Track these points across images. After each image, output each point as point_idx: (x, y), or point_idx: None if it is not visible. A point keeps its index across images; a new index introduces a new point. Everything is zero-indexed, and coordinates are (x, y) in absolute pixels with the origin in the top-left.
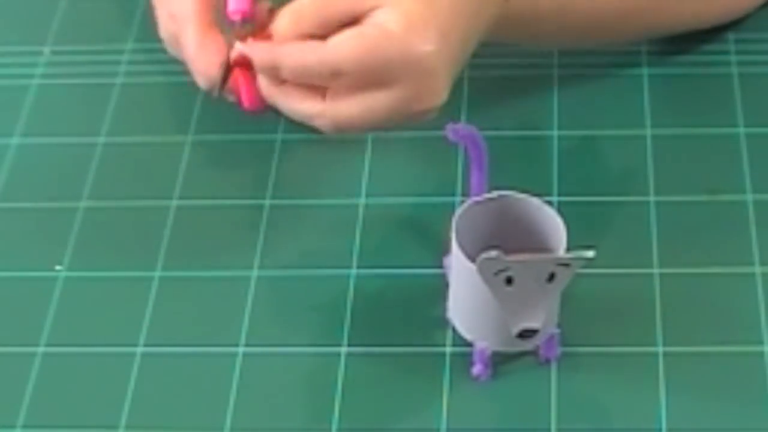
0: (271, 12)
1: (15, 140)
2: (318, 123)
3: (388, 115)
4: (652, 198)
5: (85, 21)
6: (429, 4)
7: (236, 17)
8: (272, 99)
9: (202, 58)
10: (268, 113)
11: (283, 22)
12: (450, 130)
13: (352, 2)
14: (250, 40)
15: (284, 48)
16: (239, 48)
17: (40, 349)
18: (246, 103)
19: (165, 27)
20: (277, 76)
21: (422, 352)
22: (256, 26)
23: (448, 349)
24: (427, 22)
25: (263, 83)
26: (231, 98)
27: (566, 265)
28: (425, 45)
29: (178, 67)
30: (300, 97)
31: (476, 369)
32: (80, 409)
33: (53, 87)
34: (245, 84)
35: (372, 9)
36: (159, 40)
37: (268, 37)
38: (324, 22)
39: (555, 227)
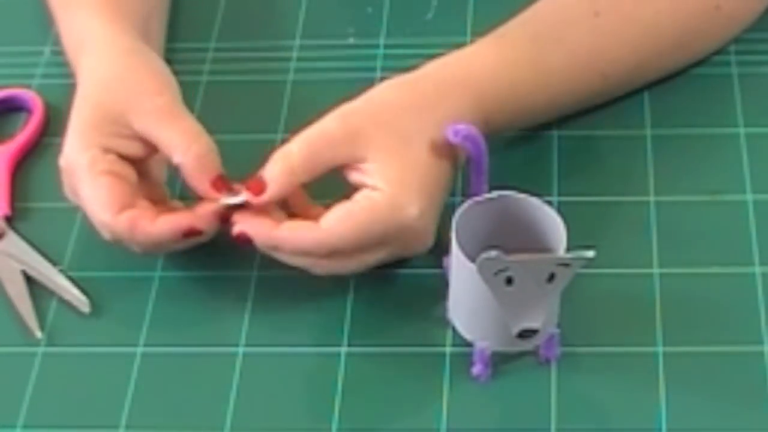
0: None
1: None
2: (312, 271)
3: (376, 264)
4: (652, 198)
5: None
6: (414, 167)
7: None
8: (267, 253)
9: (96, 207)
10: None
11: (275, 169)
12: (451, 131)
13: (341, 156)
14: (249, 195)
15: (282, 232)
16: (240, 227)
17: (40, 349)
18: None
19: (66, 185)
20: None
21: (422, 352)
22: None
23: (448, 349)
24: (412, 186)
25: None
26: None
27: (566, 265)
28: (412, 210)
29: (178, 67)
30: (295, 256)
31: (476, 369)
32: (80, 409)
33: (53, 87)
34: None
35: (361, 161)
36: None
37: (259, 180)
38: (313, 172)
39: (555, 227)
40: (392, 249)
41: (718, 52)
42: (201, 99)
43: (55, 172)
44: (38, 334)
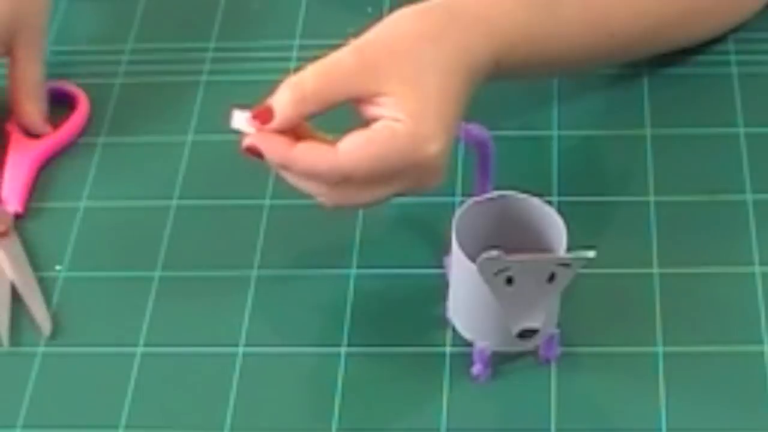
0: None
1: None
2: (320, 200)
3: (388, 199)
4: (652, 198)
5: (86, 21)
6: (433, 96)
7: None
8: (279, 173)
9: None
10: None
11: (284, 98)
12: (462, 131)
13: (357, 87)
14: (256, 123)
15: (296, 151)
16: (251, 139)
17: (40, 349)
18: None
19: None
20: (286, 171)
21: (422, 352)
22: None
23: (448, 349)
24: (431, 119)
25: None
26: None
27: (567, 265)
28: (432, 146)
29: (178, 67)
30: (306, 180)
31: (476, 369)
32: (80, 409)
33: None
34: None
35: (376, 95)
36: (159, 40)
37: (267, 108)
38: (326, 103)
39: (555, 227)
40: (405, 183)
41: (718, 52)
42: (201, 99)
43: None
44: (5, 343)
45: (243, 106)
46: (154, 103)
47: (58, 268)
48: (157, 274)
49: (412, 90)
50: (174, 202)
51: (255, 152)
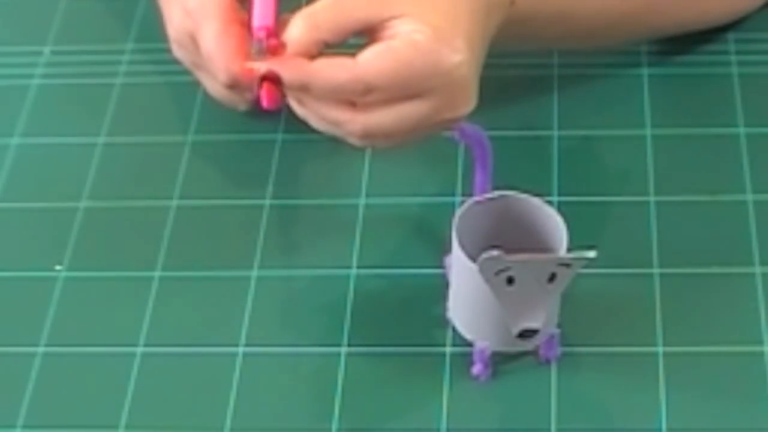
0: (284, 19)
1: (15, 140)
2: (348, 129)
3: (419, 124)
4: (652, 198)
5: (85, 21)
6: (450, 13)
7: (261, 34)
8: (300, 106)
9: (223, 52)
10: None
11: (297, 30)
12: (457, 130)
13: (370, 11)
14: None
15: (315, 66)
16: (268, 65)
17: (40, 349)
18: (266, 104)
19: (178, 24)
20: (306, 91)
21: (422, 352)
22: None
23: (448, 349)
24: (453, 31)
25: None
26: (248, 96)
27: (567, 265)
28: (455, 55)
29: (178, 67)
30: (329, 104)
31: (476, 369)
32: (80, 409)
33: (53, 87)
34: (268, 87)
35: (391, 18)
36: (159, 40)
37: (281, 45)
38: (340, 30)
39: (556, 227)
40: (434, 102)
41: (718, 53)
42: (201, 99)
43: (56, 172)
44: None
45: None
46: (154, 103)
47: (58, 268)
48: (157, 274)
49: (426, 7)
50: (174, 202)
51: (272, 78)
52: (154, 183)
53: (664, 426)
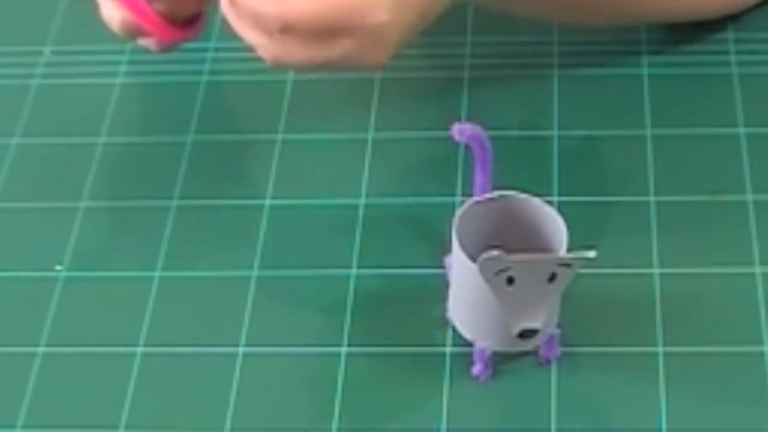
0: None
1: (15, 140)
2: (260, 53)
3: (330, 64)
4: (652, 198)
5: (85, 21)
6: None
7: None
8: (225, 14)
9: None
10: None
11: None
12: (456, 130)
13: None
14: None
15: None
16: None
17: (40, 349)
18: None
19: None
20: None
21: (422, 352)
22: None
23: (448, 349)
24: None
25: None
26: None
27: (567, 265)
28: (379, 15)
29: (178, 67)
30: (249, 24)
31: (476, 369)
32: (80, 409)
33: (53, 87)
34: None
35: None
36: None
37: None
38: None
39: (556, 227)
40: (347, 48)
41: (718, 53)
42: (201, 99)
43: (56, 172)
44: None
45: (242, 109)
46: (153, 103)
47: (58, 268)
48: (157, 274)
49: None
50: (174, 202)
51: None
52: (154, 183)
53: (664, 426)
